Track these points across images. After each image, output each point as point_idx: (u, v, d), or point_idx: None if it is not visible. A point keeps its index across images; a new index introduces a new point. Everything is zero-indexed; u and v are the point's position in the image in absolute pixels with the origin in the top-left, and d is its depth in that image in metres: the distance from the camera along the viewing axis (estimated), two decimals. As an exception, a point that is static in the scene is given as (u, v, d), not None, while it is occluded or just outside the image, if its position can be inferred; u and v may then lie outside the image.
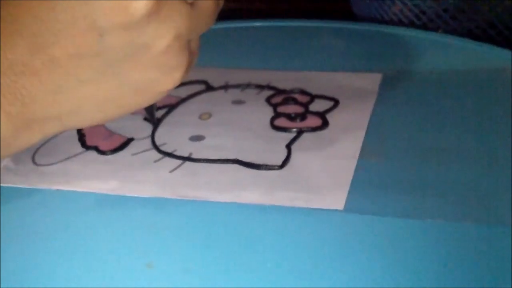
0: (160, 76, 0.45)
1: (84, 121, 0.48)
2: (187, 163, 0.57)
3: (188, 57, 0.46)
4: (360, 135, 0.59)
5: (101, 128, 0.62)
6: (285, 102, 0.64)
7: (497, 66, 0.69)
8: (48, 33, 0.43)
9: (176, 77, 0.46)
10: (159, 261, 0.48)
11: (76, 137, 0.61)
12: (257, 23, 0.79)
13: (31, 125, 0.46)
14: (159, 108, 0.64)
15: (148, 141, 0.60)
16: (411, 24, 0.79)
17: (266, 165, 0.56)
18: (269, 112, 0.63)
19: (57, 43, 0.44)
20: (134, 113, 0.61)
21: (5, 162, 0.57)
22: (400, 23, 0.79)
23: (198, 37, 0.47)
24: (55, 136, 0.60)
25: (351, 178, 0.54)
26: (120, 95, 0.46)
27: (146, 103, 0.48)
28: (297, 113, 0.62)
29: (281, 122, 0.61)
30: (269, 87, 0.67)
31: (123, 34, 0.43)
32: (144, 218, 0.52)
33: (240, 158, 0.57)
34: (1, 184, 0.56)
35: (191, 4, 0.45)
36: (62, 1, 0.43)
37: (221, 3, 0.47)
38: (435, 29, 0.78)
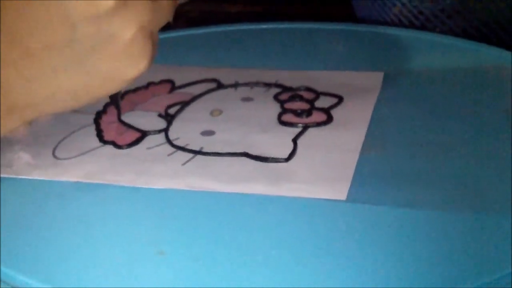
0: (126, 65, 0.46)
1: (58, 108, 0.49)
2: (199, 157, 0.56)
3: (152, 47, 0.47)
4: (363, 130, 0.58)
5: (118, 124, 0.61)
6: (291, 99, 0.63)
7: (492, 64, 0.68)
8: (23, 26, 0.45)
9: (141, 66, 0.46)
10: (170, 248, 0.47)
11: (94, 132, 0.60)
12: (265, 26, 0.78)
13: (11, 112, 0.47)
14: (173, 105, 0.63)
15: (162, 136, 0.59)
16: (410, 25, 0.78)
17: (273, 158, 0.55)
18: (276, 108, 0.62)
19: (32, 35, 0.45)
20: (148, 110, 0.62)
21: (27, 158, 0.57)
22: (400, 24, 0.78)
23: (157, 30, 0.48)
24: (74, 131, 0.60)
25: (353, 170, 0.54)
26: (90, 83, 0.47)
27: (113, 90, 0.48)
28: (303, 109, 0.61)
29: (288, 117, 0.61)
30: (277, 85, 0.66)
31: (93, 26, 0.44)
32: (156, 208, 0.52)
33: (249, 152, 0.56)
34: (21, 177, 0.55)
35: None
36: None
37: (177, 2, 0.48)
38: (433, 29, 0.77)
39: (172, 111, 0.63)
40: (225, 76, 0.68)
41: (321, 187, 0.52)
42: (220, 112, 0.62)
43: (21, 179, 0.55)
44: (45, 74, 0.46)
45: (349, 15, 0.85)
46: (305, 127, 0.59)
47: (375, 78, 0.66)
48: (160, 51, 0.48)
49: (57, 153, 0.58)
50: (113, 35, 0.45)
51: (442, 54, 0.71)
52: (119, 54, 0.46)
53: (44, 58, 0.45)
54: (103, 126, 0.61)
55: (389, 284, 0.43)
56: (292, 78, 0.67)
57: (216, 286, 0.44)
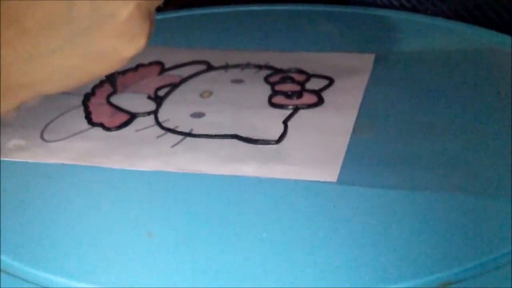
0: (123, 44, 0.47)
1: (55, 88, 0.49)
2: (188, 139, 0.56)
3: (149, 26, 0.47)
4: (354, 111, 0.58)
5: (107, 106, 0.60)
6: (282, 80, 0.63)
7: (482, 45, 0.68)
8: (20, 6, 0.45)
9: (138, 44, 0.47)
10: (159, 230, 0.47)
11: (82, 114, 0.59)
12: (255, 7, 0.77)
13: (7, 93, 0.47)
14: (162, 87, 0.62)
15: (151, 118, 0.59)
16: (401, 7, 0.77)
17: (263, 140, 0.55)
18: (267, 90, 0.62)
19: (28, 14, 0.45)
20: (137, 93, 0.62)
21: (16, 140, 0.56)
22: (391, 6, 0.78)
23: (154, 9, 0.48)
24: (62, 113, 0.59)
25: (344, 152, 0.53)
26: (87, 63, 0.47)
27: (110, 70, 0.49)
28: (294, 91, 0.61)
29: (278, 99, 0.60)
30: (267, 67, 0.65)
31: (90, 4, 0.45)
32: (145, 190, 0.51)
33: (239, 134, 0.55)
34: (10, 159, 0.54)
35: None
36: None
37: None
38: (424, 11, 0.76)
39: (161, 93, 0.62)
40: (215, 58, 0.67)
41: (312, 169, 0.51)
42: (210, 93, 0.62)
43: (9, 161, 0.54)
44: (42, 53, 0.46)
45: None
46: (296, 109, 0.58)
47: (366, 60, 0.66)
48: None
49: (45, 135, 0.57)
50: (110, 14, 0.45)
51: (433, 36, 0.71)
52: (116, 32, 0.46)
53: (41, 37, 0.45)
54: (91, 108, 0.60)
55: (380, 265, 0.43)
56: (283, 59, 0.66)
57: (205, 269, 0.43)
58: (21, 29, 0.45)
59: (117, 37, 0.46)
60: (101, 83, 0.62)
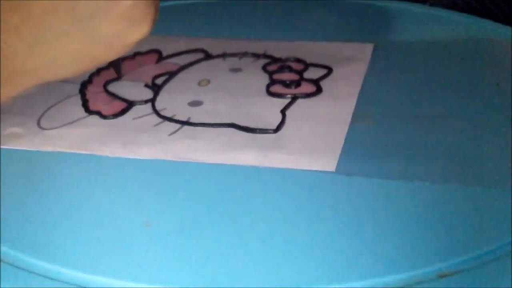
0: (128, 29, 0.46)
1: (59, 74, 0.48)
2: (186, 127, 0.55)
3: (154, 11, 0.47)
4: (352, 101, 0.58)
5: (104, 94, 0.60)
6: (280, 69, 0.62)
7: (481, 36, 0.68)
8: None
9: (143, 29, 0.47)
10: (157, 220, 0.46)
11: (80, 102, 0.59)
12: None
13: (11, 79, 0.47)
14: (160, 75, 0.62)
15: (149, 106, 0.58)
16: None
17: (261, 129, 0.54)
18: (265, 79, 0.61)
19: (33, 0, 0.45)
20: (135, 81, 0.61)
21: (13, 128, 0.56)
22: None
23: None
24: (59, 101, 0.59)
25: (342, 142, 0.53)
26: (92, 48, 0.47)
27: (115, 55, 0.48)
28: (292, 80, 0.60)
29: (277, 88, 0.60)
30: (265, 56, 0.65)
31: None
32: (143, 179, 0.51)
33: (237, 123, 0.55)
34: (8, 147, 0.54)
35: None
36: None
37: None
38: (423, 1, 0.76)
39: (159, 81, 0.61)
40: (213, 47, 0.66)
41: (310, 159, 0.51)
42: (208, 82, 0.61)
43: (5, 149, 0.54)
44: (46, 38, 0.46)
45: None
46: (294, 98, 0.58)
47: (365, 49, 0.65)
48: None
49: (42, 123, 0.57)
50: None
51: (432, 26, 0.71)
52: (121, 18, 0.46)
53: (45, 22, 0.45)
54: (88, 96, 0.60)
55: (377, 255, 0.43)
56: (281, 48, 0.66)
57: (202, 258, 0.43)
58: (26, 14, 0.45)
59: (122, 22, 0.46)
60: (98, 72, 0.62)
